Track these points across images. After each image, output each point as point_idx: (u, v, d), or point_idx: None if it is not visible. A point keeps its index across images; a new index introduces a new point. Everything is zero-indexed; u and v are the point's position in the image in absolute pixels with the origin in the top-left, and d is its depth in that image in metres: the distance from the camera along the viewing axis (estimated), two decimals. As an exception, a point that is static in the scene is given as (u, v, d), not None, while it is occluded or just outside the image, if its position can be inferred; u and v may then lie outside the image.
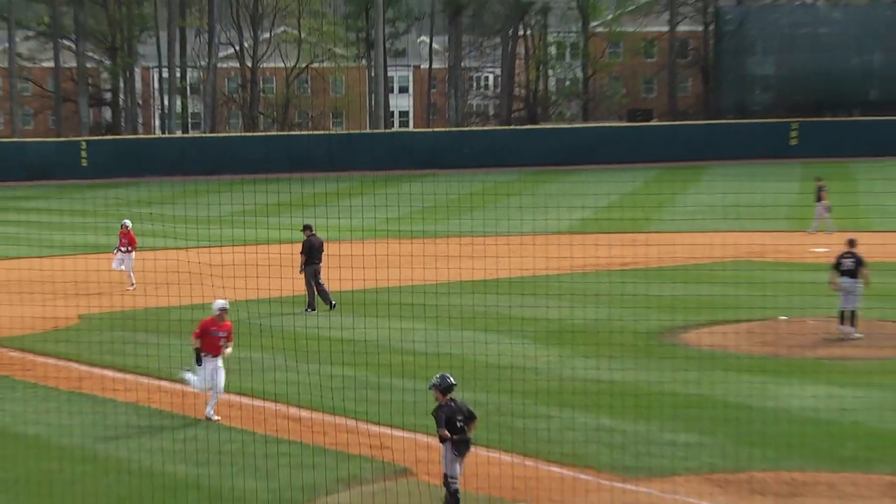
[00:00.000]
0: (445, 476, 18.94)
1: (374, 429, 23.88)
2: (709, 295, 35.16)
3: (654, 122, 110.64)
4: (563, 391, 25.84)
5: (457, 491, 18.87)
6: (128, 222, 43.09)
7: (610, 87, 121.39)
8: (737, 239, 50.21)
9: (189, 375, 25.42)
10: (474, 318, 34.18)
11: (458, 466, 18.92)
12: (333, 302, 37.48)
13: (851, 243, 33.20)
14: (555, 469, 21.63)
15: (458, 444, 18.79)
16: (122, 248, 42.65)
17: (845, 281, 32.42)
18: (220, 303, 25.18)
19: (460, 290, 39.46)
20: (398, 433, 23.49)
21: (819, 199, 55.17)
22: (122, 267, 42.61)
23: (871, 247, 35.23)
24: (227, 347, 25.22)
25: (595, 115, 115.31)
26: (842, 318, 32.51)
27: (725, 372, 27.68)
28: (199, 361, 24.88)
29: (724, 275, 40.70)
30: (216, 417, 24.82)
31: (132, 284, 42.52)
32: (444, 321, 33.36)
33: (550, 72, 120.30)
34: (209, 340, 24.87)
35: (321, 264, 37.77)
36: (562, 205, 56.91)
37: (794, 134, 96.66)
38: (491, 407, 24.61)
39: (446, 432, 18.69)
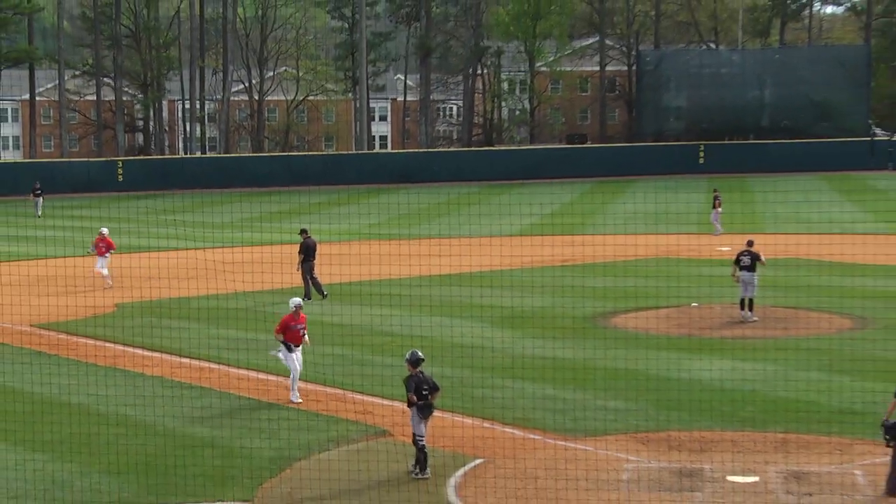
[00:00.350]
0: (414, 435, 18.88)
1: (360, 397, 23.72)
2: (633, 286, 35.13)
3: (588, 145, 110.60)
4: (514, 366, 25.68)
5: (423, 447, 18.80)
6: (104, 230, 41.35)
7: (552, 116, 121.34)
8: (656, 240, 50.24)
9: (283, 358, 24.07)
10: (441, 306, 34.04)
11: (423, 427, 18.82)
12: (326, 292, 37.27)
13: (750, 243, 33.18)
14: (508, 430, 21.50)
15: (423, 409, 18.77)
16: (99, 252, 40.15)
17: (744, 274, 32.41)
18: (295, 300, 23.84)
19: (430, 283, 39.34)
20: (379, 401, 23.33)
21: (715, 206, 55.19)
22: (104, 270, 40.19)
23: (765, 246, 35.21)
24: (305, 335, 24.00)
25: (540, 139, 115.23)
26: (742, 304, 32.50)
27: (647, 350, 27.61)
28: (290, 349, 23.67)
29: (645, 269, 40.68)
30: (299, 400, 23.50)
31: (109, 284, 40.04)
32: (417, 308, 33.22)
33: (503, 103, 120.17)
34: (291, 334, 23.57)
35: (315, 261, 37.54)
36: (513, 212, 56.88)
37: (701, 154, 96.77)
38: (455, 379, 24.47)
39: (413, 397, 18.71)
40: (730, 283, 33.31)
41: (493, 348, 28.24)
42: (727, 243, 47.81)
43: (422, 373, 19.06)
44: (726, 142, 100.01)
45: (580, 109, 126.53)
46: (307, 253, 37.39)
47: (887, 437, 17.32)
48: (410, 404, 18.83)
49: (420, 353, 19.24)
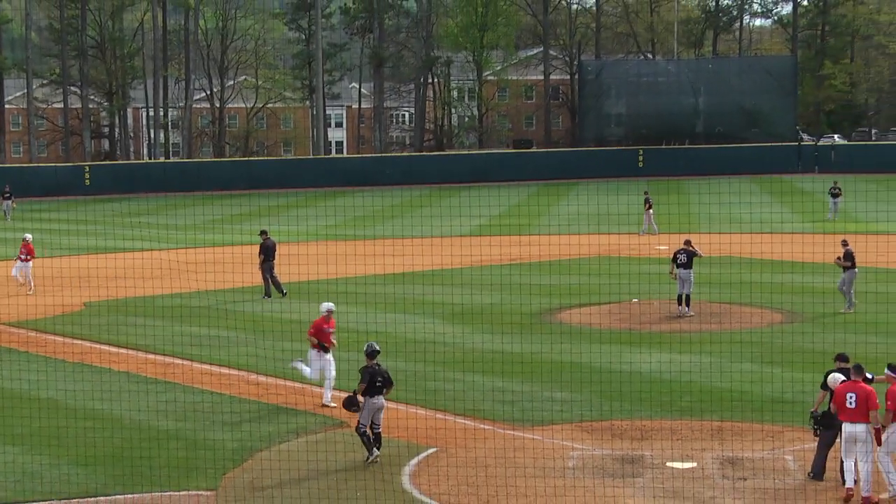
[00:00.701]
0: (358, 422, 19.06)
1: (319, 390, 23.61)
2: (577, 283, 35.21)
3: (533, 150, 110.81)
4: (465, 360, 25.69)
5: (364, 433, 18.95)
6: (28, 236, 40.04)
7: (499, 123, 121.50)
8: (598, 240, 50.41)
9: (301, 365, 23.21)
10: (395, 303, 34.02)
11: (370, 417, 18.95)
12: (285, 291, 37.10)
13: (687, 242, 33.38)
14: (460, 420, 21.51)
15: (372, 399, 18.98)
16: (22, 258, 38.66)
17: (681, 271, 32.60)
18: (327, 305, 22.92)
19: (384, 281, 39.32)
20: (338, 394, 23.23)
21: (647, 207, 55.41)
22: (20, 275, 38.74)
23: (700, 245, 35.41)
24: (333, 339, 23.09)
25: (488, 144, 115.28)
26: (679, 300, 32.69)
27: (591, 343, 27.69)
28: (324, 350, 22.72)
29: (588, 268, 40.77)
30: (333, 405, 22.37)
31: (31, 289, 38.44)
32: (373, 305, 33.20)
33: (453, 110, 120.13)
34: (322, 337, 22.71)
35: (275, 261, 37.36)
36: (463, 214, 56.90)
37: (640, 158, 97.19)
38: (409, 372, 24.44)
39: (363, 387, 18.97)
40: (667, 280, 33.48)
41: (444, 343, 28.23)
42: (665, 242, 48.08)
43: (378, 365, 19.17)
44: (663, 146, 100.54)
45: (526, 116, 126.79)
46: (267, 253, 37.21)
47: (816, 426, 17.48)
48: (360, 393, 19.04)
49: (376, 346, 19.48)
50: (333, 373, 22.76)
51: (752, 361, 25.38)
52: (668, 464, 18.61)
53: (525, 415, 21.59)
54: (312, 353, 22.89)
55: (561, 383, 23.89)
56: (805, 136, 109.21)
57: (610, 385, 22.95)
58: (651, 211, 55.15)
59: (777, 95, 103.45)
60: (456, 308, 33.85)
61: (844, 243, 32.45)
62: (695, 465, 18.54)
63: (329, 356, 22.80)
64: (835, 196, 60.72)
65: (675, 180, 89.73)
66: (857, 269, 32.06)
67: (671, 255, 33.39)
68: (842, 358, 17.75)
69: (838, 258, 32.11)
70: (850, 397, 16.58)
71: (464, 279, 39.97)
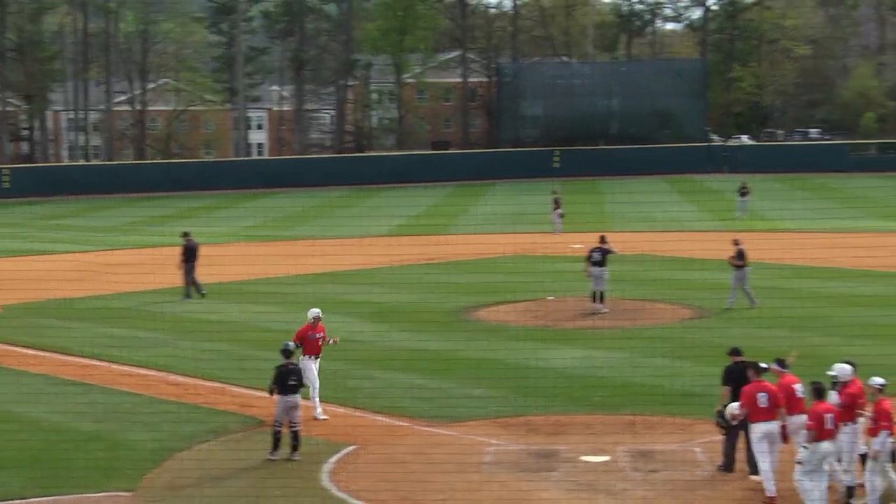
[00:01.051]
0: (275, 420, 19.06)
1: (239, 390, 23.44)
2: (494, 282, 35.33)
3: (451, 151, 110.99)
4: (384, 357, 25.63)
5: (277, 432, 18.94)
6: None
7: (418, 124, 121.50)
8: (514, 239, 50.56)
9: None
10: (315, 302, 33.75)
11: (283, 415, 18.88)
12: (204, 291, 36.74)
13: (602, 240, 33.62)
14: (379, 418, 21.46)
15: (285, 398, 18.92)
16: None
17: (595, 269, 32.83)
18: (314, 311, 21.76)
19: (304, 281, 39.13)
20: (257, 393, 23.03)
21: (556, 207, 55.72)
22: None
23: (614, 243, 35.68)
24: (331, 340, 21.82)
25: (407, 146, 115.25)
26: (593, 297, 32.90)
27: (507, 340, 27.80)
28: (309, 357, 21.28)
29: (504, 266, 40.95)
30: (324, 416, 21.19)
31: None
32: (292, 305, 32.98)
33: (373, 112, 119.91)
34: (309, 343, 21.41)
35: (196, 262, 36.99)
36: (382, 214, 56.84)
37: (556, 159, 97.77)
38: (329, 371, 24.31)
39: (273, 387, 18.97)
40: (582, 277, 33.70)
41: (363, 342, 28.13)
42: (579, 241, 48.39)
43: (292, 364, 19.14)
44: (579, 147, 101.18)
45: (444, 118, 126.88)
46: (189, 254, 36.84)
47: (721, 422, 17.66)
48: (270, 393, 19.10)
49: (291, 345, 19.60)
50: (317, 382, 21.37)
51: (663, 356, 25.61)
52: (582, 457, 18.73)
53: (442, 411, 21.57)
54: (302, 361, 21.06)
55: (478, 380, 23.94)
56: (715, 137, 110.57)
57: (526, 381, 23.03)
58: (559, 211, 55.44)
59: (688, 97, 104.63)
60: (375, 307, 33.77)
61: (736, 242, 32.79)
62: (608, 458, 18.67)
63: (315, 365, 21.36)
64: (743, 195, 61.58)
65: (590, 180, 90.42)
66: (749, 267, 32.36)
67: (586, 254, 33.59)
68: (735, 352, 17.92)
69: (731, 257, 32.46)
70: (762, 397, 16.58)
71: (383, 278, 39.91)
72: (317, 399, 21.34)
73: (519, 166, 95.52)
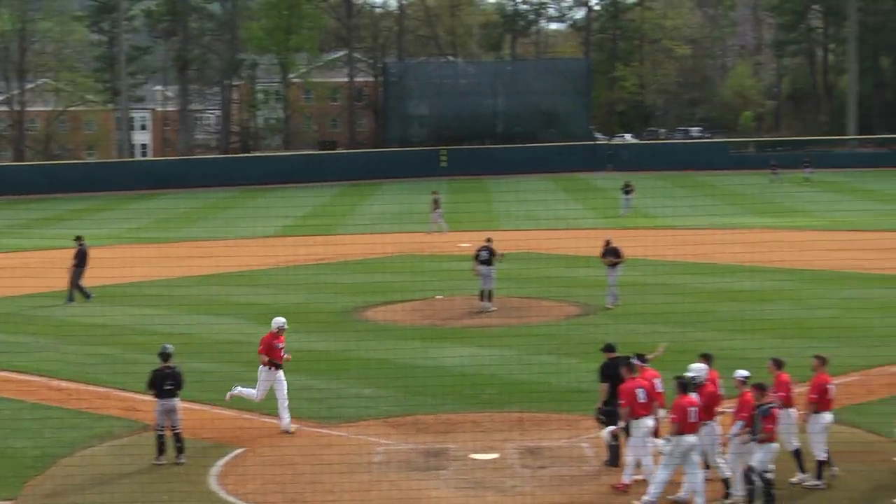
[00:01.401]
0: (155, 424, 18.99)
1: (124, 394, 23.06)
2: (382, 282, 35.30)
3: (338, 151, 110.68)
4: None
5: (160, 437, 18.81)
6: None
7: (304, 124, 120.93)
8: (401, 238, 50.65)
9: (242, 390, 21.00)
10: (202, 304, 33.48)
11: (163, 419, 18.77)
12: (92, 295, 36.06)
13: (488, 240, 33.82)
14: (267, 420, 21.28)
15: (162, 401, 18.84)
16: None
17: (483, 268, 33.01)
18: (278, 321, 21.04)
19: (191, 283, 38.68)
20: (143, 397, 22.68)
21: (435, 207, 55.96)
22: None
23: (501, 242, 35.94)
24: (286, 356, 21.06)
25: (293, 146, 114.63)
26: (481, 296, 33.07)
27: (396, 340, 27.79)
28: (276, 367, 20.59)
29: (392, 266, 40.96)
30: (293, 428, 20.54)
31: None
32: (178, 308, 32.61)
33: (259, 112, 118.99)
34: (275, 353, 20.75)
35: (86, 267, 36.28)
36: (269, 215, 56.42)
37: (443, 158, 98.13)
38: (217, 374, 24.07)
39: (152, 391, 18.90)
40: (469, 276, 33.86)
41: (251, 343, 27.74)
42: (467, 240, 48.64)
43: (170, 367, 18.94)
44: (465, 146, 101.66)
45: (331, 118, 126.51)
46: (81, 259, 36.20)
47: (601, 418, 17.92)
48: (150, 394, 19.02)
49: (169, 348, 19.28)
50: (286, 392, 20.67)
51: (549, 353, 25.86)
52: (472, 455, 18.82)
53: (332, 412, 21.50)
54: (262, 372, 20.69)
55: (367, 380, 23.91)
56: (599, 136, 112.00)
57: (415, 380, 23.05)
58: (440, 210, 55.66)
59: (572, 97, 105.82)
60: (262, 308, 33.46)
61: (607, 242, 33.20)
62: (497, 455, 18.79)
63: (281, 374, 20.68)
64: (627, 193, 62.52)
65: (476, 179, 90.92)
66: (622, 265, 32.81)
67: (474, 253, 33.76)
68: (609, 349, 18.14)
69: (603, 255, 32.87)
70: (640, 392, 16.75)
71: (270, 279, 39.63)
72: (286, 412, 20.50)
73: (406, 166, 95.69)
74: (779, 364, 17.31)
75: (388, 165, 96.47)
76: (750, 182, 77.98)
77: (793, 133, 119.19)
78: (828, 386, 17.11)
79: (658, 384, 17.16)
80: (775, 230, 49.92)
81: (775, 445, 15.76)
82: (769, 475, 15.64)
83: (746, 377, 16.39)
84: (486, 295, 32.95)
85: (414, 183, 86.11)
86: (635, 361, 17.32)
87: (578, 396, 21.42)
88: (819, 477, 16.91)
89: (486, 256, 33.04)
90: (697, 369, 16.74)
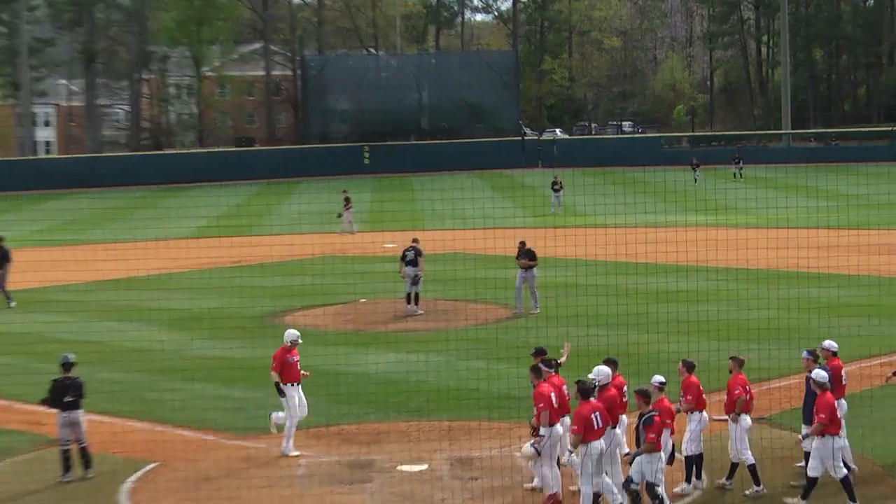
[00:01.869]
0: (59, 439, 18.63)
1: (28, 407, 22.54)
2: (302, 284, 34.98)
3: (256, 147, 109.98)
4: (187, 367, 25.04)
5: (65, 452, 18.47)
6: None
7: (220, 120, 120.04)
8: (323, 239, 50.37)
9: (278, 415, 20.02)
10: (112, 310, 32.99)
11: (68, 433, 18.43)
12: (13, 303, 35.32)
13: (415, 240, 33.70)
14: (182, 432, 20.98)
15: (64, 414, 18.48)
16: None
17: (409, 269, 32.88)
18: (293, 333, 20.10)
19: (100, 288, 38.10)
20: (48, 410, 22.23)
21: (346, 207, 55.86)
22: None
23: (428, 242, 35.82)
24: (305, 372, 20.29)
25: (208, 142, 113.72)
26: (408, 298, 32.95)
27: (318, 346, 27.53)
28: (281, 393, 19.70)
29: (314, 268, 40.62)
30: (296, 453, 19.67)
31: None
32: (87, 314, 32.08)
33: (171, 108, 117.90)
34: (288, 370, 19.76)
35: (9, 268, 35.70)
36: (183, 215, 55.77)
37: (366, 155, 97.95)
38: (127, 383, 23.71)
39: (48, 402, 18.58)
40: (395, 278, 33.70)
41: (164, 351, 27.46)
42: (392, 240, 48.47)
43: (70, 378, 18.57)
44: (389, 143, 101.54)
45: (247, 113, 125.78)
46: (1, 260, 35.60)
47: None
48: (49, 406, 18.63)
49: (70, 357, 18.84)
50: (304, 414, 19.93)
51: (479, 358, 25.77)
52: (399, 467, 18.66)
53: (251, 423, 21.23)
54: (285, 389, 19.72)
55: (288, 389, 23.65)
56: (528, 131, 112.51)
57: (338, 388, 22.83)
58: (350, 210, 55.57)
59: (500, 90, 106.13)
60: (176, 314, 33.09)
61: (522, 244, 33.24)
62: (426, 466, 18.65)
63: (299, 392, 19.83)
64: (556, 190, 62.75)
65: (401, 177, 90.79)
66: (536, 268, 32.88)
67: (400, 254, 33.62)
68: (539, 352, 18.06)
69: (518, 257, 32.91)
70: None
71: (184, 283, 39.20)
72: (292, 431, 19.76)
73: (327, 163, 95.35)
74: (689, 367, 17.49)
75: (308, 163, 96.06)
76: (683, 179, 78.70)
77: (726, 128, 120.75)
78: (745, 388, 17.29)
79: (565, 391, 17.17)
80: (710, 228, 50.36)
81: (659, 455, 15.85)
82: (659, 488, 15.73)
83: (663, 383, 16.55)
84: (412, 298, 32.81)
85: (336, 181, 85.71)
86: (542, 367, 17.25)
87: (510, 403, 21.36)
88: (757, 483, 17.04)
89: (412, 257, 32.91)
90: (598, 372, 16.79)
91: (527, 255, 32.69)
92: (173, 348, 28.03)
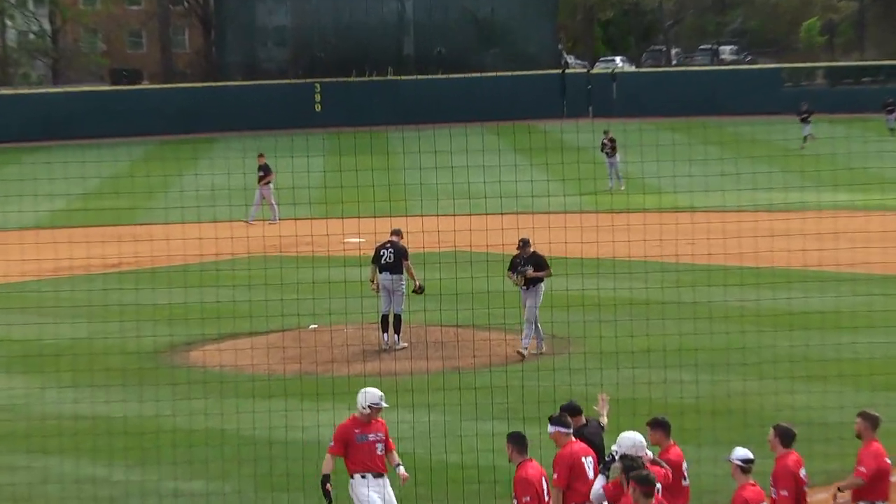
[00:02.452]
0: None
1: None
2: (219, 301, 34.97)
3: (144, 86, 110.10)
4: (34, 433, 25.08)
5: None
6: None
7: (86, 42, 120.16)
8: (250, 230, 50.29)
9: None
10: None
11: None
12: None
13: (396, 232, 33.77)
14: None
15: None
16: None
17: (386, 277, 32.84)
18: (373, 394, 20.21)
19: None
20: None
21: (263, 179, 55.94)
22: None
23: (411, 235, 35.83)
24: (396, 461, 20.54)
25: (68, 77, 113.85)
26: (384, 323, 32.93)
27: (241, 399, 27.55)
28: (327, 497, 20.01)
29: (238, 275, 40.65)
30: None
31: None
32: None
33: (9, 22, 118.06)
34: (358, 454, 20.01)
35: None
36: (26, 193, 55.66)
37: (317, 98, 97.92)
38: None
39: None
40: (366, 291, 33.69)
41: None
42: (357, 232, 48.51)
43: None
44: (353, 79, 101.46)
45: (130, 32, 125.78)
46: None
47: None
48: None
49: None
50: None
51: (496, 418, 25.82)
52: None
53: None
54: (354, 487, 20.17)
55: (194, 465, 23.88)
56: (572, 61, 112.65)
57: (273, 465, 23.03)
58: (270, 185, 56.98)
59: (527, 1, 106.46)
60: (16, 347, 33.25)
61: (523, 243, 33.25)
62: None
63: (386, 486, 20.27)
64: (609, 153, 62.76)
65: (373, 132, 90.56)
66: (542, 286, 32.96)
67: (372, 254, 33.63)
68: (570, 410, 18.82)
69: (512, 266, 32.98)
70: (588, 462, 17.69)
71: (28, 300, 39.35)
72: None
73: (256, 111, 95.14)
74: (872, 421, 17.84)
75: (225, 110, 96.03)
76: (818, 133, 78.76)
77: (884, 54, 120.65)
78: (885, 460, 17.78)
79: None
80: (857, 213, 50.39)
81: None
82: None
83: (749, 461, 17.06)
84: (390, 323, 32.81)
85: (269, 138, 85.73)
86: (558, 428, 18.06)
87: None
88: None
89: (392, 259, 32.90)
90: (624, 442, 17.34)
91: (532, 262, 32.63)
92: (12, 403, 28.07)
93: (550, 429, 18.24)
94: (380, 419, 20.36)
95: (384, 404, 20.18)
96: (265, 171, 56.30)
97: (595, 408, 19.34)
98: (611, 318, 32.96)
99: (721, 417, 19.95)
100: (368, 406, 20.02)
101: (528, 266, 32.69)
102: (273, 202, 55.92)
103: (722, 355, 27.67)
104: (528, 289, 32.70)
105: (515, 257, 33.06)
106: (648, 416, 18.70)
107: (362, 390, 20.38)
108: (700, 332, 28.80)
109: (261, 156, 57.93)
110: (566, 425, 18.13)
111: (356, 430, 19.98)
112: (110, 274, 43.63)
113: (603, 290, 35.52)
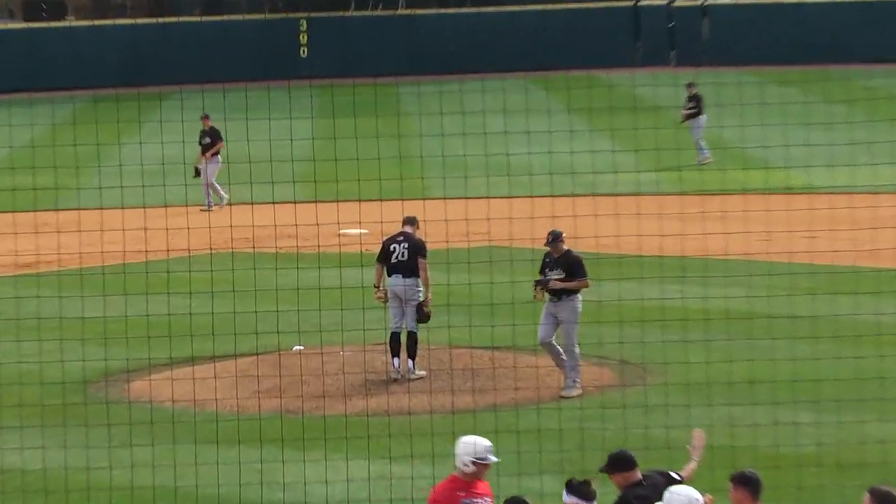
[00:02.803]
0: None
1: None
2: (170, 314, 35.09)
3: (68, 22, 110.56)
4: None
5: None
6: None
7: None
8: (217, 218, 50.48)
9: None
10: None
11: None
12: None
13: (410, 221, 33.82)
14: None
15: None
16: None
17: (397, 282, 32.94)
18: (482, 445, 19.91)
19: None
20: None
21: (209, 150, 56.29)
22: None
23: (431, 225, 35.91)
24: None
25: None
26: (393, 345, 32.98)
27: (201, 445, 27.63)
28: None
29: (197, 277, 40.73)
30: None
31: None
32: None
33: None
34: None
35: None
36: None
37: (303, 39, 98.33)
38: None
39: None
40: (369, 301, 33.84)
41: None
42: (357, 220, 48.61)
43: None
44: (348, 13, 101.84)
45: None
46: None
47: None
48: None
49: None
50: None
51: (546, 472, 25.91)
52: None
53: None
54: None
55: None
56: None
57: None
58: (217, 157, 56.48)
59: None
60: None
61: (555, 237, 33.24)
62: None
63: None
64: (692, 114, 62.87)
65: (379, 84, 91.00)
66: (579, 297, 32.94)
67: (378, 249, 33.76)
68: (623, 463, 18.98)
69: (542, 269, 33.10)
70: None
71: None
72: None
73: (221, 55, 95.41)
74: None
75: (179, 55, 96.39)
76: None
77: None
78: None
79: None
80: None
81: None
82: None
83: None
84: (403, 343, 32.90)
85: (237, 92, 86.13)
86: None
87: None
88: None
89: (405, 257, 33.00)
90: (680, 499, 17.57)
91: (563, 265, 32.60)
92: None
93: (566, 499, 18.13)
94: (485, 479, 19.95)
95: (493, 458, 19.82)
96: (212, 138, 56.40)
97: (687, 447, 19.25)
98: (701, 337, 33.04)
99: (851, 472, 19.87)
100: (475, 460, 19.67)
101: (556, 270, 32.52)
102: (214, 181, 56.15)
103: (852, 388, 27.66)
104: (558, 301, 32.55)
105: (546, 256, 32.93)
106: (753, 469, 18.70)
107: (464, 439, 20.02)
108: (822, 356, 28.86)
109: (205, 117, 58.11)
110: (587, 497, 18.07)
111: (460, 494, 19.72)
112: (24, 276, 43.80)
113: (690, 300, 35.57)
